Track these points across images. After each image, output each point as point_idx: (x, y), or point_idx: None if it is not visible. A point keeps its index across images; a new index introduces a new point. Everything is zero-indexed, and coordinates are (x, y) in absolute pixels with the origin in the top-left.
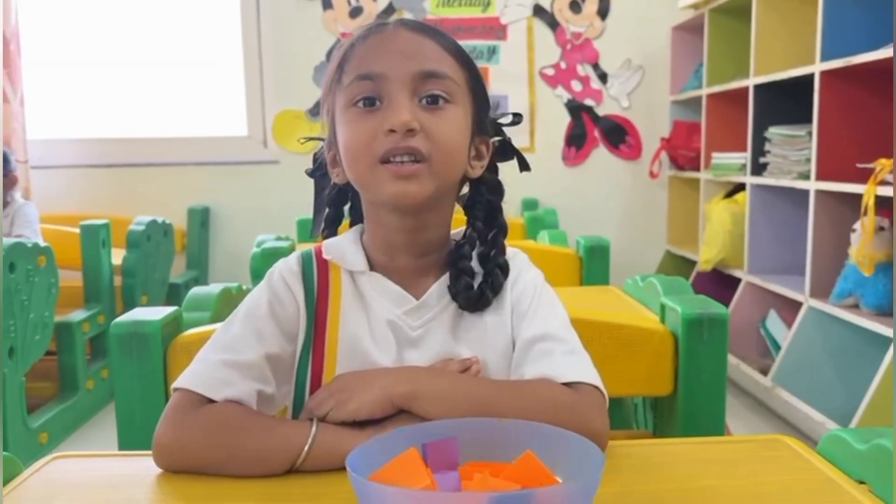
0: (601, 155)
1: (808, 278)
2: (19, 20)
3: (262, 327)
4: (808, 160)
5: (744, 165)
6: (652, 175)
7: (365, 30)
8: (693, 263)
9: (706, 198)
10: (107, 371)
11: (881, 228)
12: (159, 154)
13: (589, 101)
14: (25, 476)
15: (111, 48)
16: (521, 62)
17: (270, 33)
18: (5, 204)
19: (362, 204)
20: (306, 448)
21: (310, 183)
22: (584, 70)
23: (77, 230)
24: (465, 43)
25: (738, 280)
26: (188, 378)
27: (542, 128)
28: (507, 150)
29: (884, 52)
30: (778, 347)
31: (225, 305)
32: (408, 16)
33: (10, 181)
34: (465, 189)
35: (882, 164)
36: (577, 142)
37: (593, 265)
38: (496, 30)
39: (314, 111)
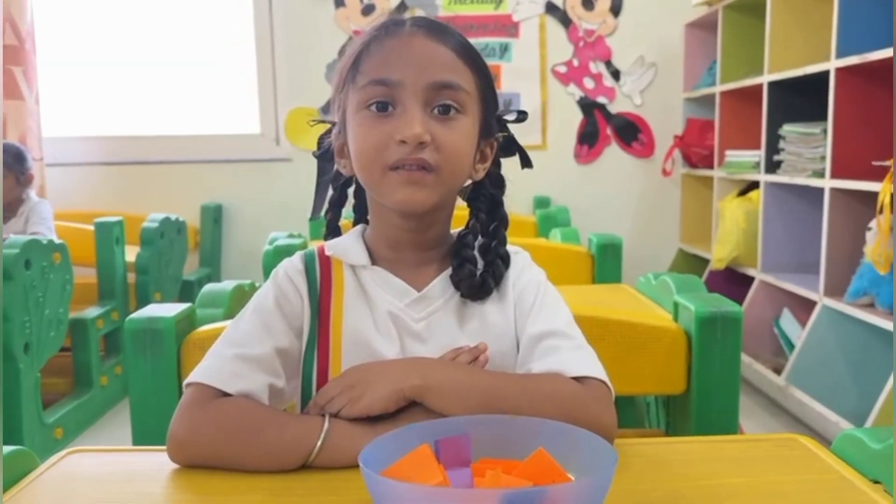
0: (614, 153)
1: (823, 277)
2: (35, 19)
3: (270, 322)
4: (823, 158)
5: (758, 163)
6: (665, 173)
7: (381, 27)
8: (706, 262)
9: (719, 196)
10: (120, 367)
11: None
12: (173, 152)
13: (601, 99)
14: (42, 470)
15: (125, 47)
16: (533, 59)
17: (283, 31)
18: (20, 202)
19: (367, 200)
20: (319, 444)
21: None
22: (597, 67)
23: (91, 227)
24: (477, 40)
25: (752, 279)
26: (201, 372)
27: (554, 125)
28: (510, 146)
29: None
30: (791, 346)
31: (238, 302)
32: (420, 13)
33: (26, 179)
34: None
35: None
36: (589, 140)
37: (606, 263)
38: (508, 27)
39: (326, 109)
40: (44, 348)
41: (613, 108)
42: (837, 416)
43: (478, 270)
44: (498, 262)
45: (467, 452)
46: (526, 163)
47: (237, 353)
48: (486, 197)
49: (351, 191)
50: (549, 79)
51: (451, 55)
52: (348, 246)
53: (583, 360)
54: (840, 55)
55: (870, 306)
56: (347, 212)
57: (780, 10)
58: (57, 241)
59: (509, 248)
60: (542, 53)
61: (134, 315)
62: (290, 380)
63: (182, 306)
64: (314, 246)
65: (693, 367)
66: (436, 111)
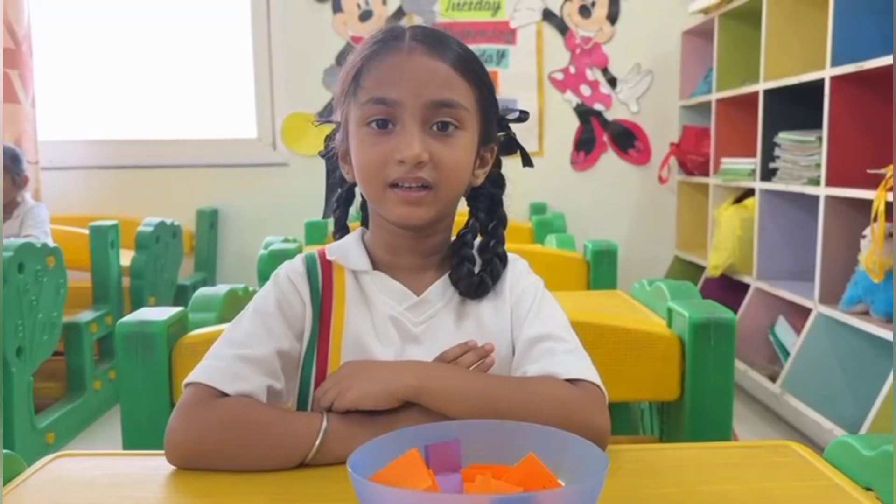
0: (610, 159)
1: (818, 284)
2: (31, 22)
3: (271, 324)
4: (818, 165)
5: (753, 171)
6: (661, 180)
7: (380, 41)
8: (702, 269)
9: (715, 203)
10: (114, 372)
11: (891, 234)
12: (169, 156)
13: (598, 106)
14: (28, 474)
15: (122, 50)
16: (530, 66)
17: (280, 36)
18: (15, 204)
19: (368, 205)
20: (317, 442)
21: (318, 186)
22: (594, 74)
23: (86, 231)
24: (475, 46)
25: (747, 286)
26: (201, 372)
27: (550, 132)
28: (511, 144)
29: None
30: (787, 354)
31: (231, 306)
32: (418, 20)
33: (21, 181)
34: None
35: (892, 170)
36: (585, 146)
37: (601, 269)
38: (506, 34)
39: (323, 114)
40: (36, 352)
41: (610, 116)
42: (832, 423)
43: (476, 269)
44: (496, 261)
45: (457, 457)
46: (527, 161)
47: (238, 354)
48: (486, 196)
49: (358, 190)
50: (546, 86)
51: (449, 72)
52: (349, 250)
53: (577, 364)
54: (835, 63)
55: (864, 314)
56: (355, 212)
57: (776, 18)
58: (51, 244)
59: (509, 255)
60: (539, 60)
61: (126, 318)
62: (287, 381)
63: (174, 310)
64: (314, 250)
65: (687, 373)
66: (434, 128)
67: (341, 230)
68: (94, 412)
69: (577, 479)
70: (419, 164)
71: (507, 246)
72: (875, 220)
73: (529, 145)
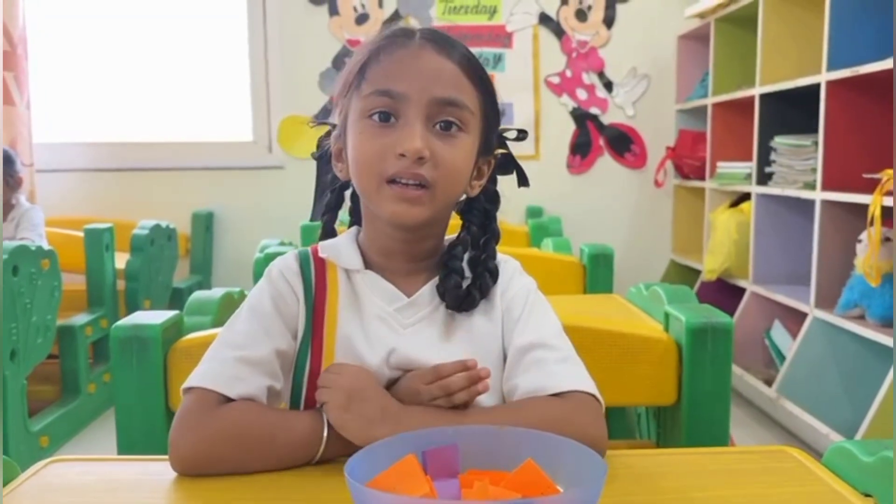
0: (606, 163)
1: (814, 289)
2: (27, 24)
3: (268, 324)
4: (814, 170)
5: (749, 175)
6: (657, 184)
7: (389, 36)
8: (698, 273)
9: (711, 207)
10: (109, 375)
11: (887, 239)
12: (164, 158)
13: (594, 110)
14: (22, 479)
15: (118, 52)
16: (526, 70)
17: (277, 39)
18: (10, 207)
19: (361, 206)
20: (322, 445)
21: (313, 189)
22: (590, 78)
23: (81, 234)
24: (471, 50)
25: (743, 290)
26: (200, 377)
27: (547, 136)
28: (507, 164)
29: (891, 62)
30: (783, 358)
31: (226, 310)
32: (414, 22)
33: (15, 183)
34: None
35: (888, 175)
36: (582, 150)
37: (597, 273)
38: (502, 37)
39: (320, 117)
40: (31, 355)
41: (606, 119)
42: (828, 428)
43: (465, 282)
44: (486, 276)
45: (455, 463)
46: (523, 181)
47: (238, 356)
48: (480, 211)
49: (348, 194)
50: (543, 89)
51: (457, 71)
52: (341, 249)
53: (569, 374)
54: (831, 68)
55: (860, 318)
56: (343, 215)
57: (773, 23)
58: (46, 247)
59: (499, 256)
60: (536, 64)
61: (120, 322)
62: (285, 380)
63: (169, 314)
64: (308, 248)
65: (684, 377)
66: (437, 127)
67: (328, 235)
68: (88, 415)
69: (575, 485)
70: (420, 160)
71: (502, 249)
72: (871, 224)
73: (525, 149)
